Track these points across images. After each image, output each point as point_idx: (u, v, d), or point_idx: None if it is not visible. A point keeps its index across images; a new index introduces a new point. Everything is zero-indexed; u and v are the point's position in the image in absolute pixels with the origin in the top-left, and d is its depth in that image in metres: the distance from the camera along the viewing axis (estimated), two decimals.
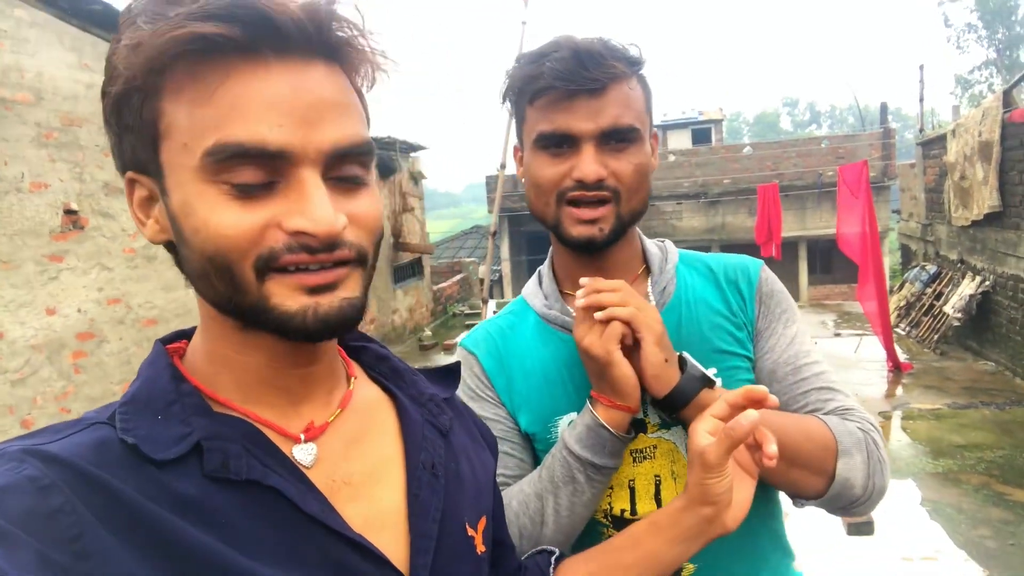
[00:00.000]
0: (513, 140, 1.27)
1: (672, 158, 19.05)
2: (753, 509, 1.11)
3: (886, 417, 6.73)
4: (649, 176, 1.10)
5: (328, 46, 0.61)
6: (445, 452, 0.77)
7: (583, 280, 1.04)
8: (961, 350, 9.33)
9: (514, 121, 1.18)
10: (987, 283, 8.67)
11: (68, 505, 0.51)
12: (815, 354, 1.15)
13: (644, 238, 1.23)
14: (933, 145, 10.86)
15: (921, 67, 13.50)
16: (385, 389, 0.79)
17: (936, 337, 9.39)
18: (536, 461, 1.15)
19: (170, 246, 0.65)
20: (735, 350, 1.13)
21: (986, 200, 8.23)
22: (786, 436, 1.01)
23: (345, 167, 0.62)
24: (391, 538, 0.67)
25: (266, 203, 0.58)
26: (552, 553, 0.96)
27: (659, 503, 1.09)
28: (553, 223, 1.10)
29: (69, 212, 4.91)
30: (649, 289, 1.16)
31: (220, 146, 0.56)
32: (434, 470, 0.73)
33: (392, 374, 0.82)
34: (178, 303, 5.91)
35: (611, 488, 1.10)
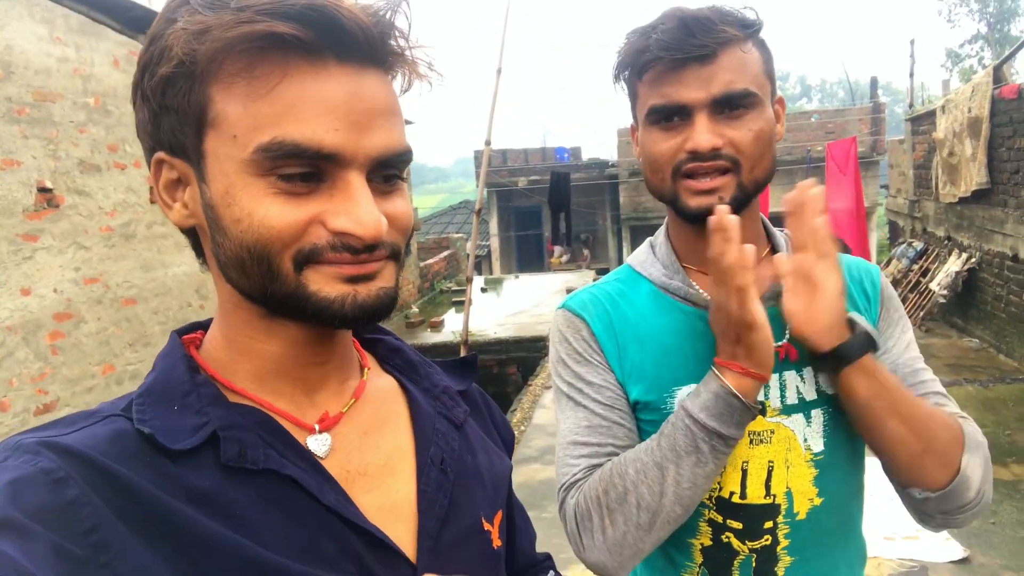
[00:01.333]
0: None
1: None
2: (851, 501, 1.13)
3: None
4: (773, 144, 1.07)
5: (385, 55, 0.62)
6: (460, 445, 0.77)
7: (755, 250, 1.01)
8: (946, 327, 9.37)
9: (628, 101, 1.15)
10: (973, 260, 8.67)
11: (83, 497, 0.52)
12: (924, 361, 1.16)
13: (766, 221, 1.19)
14: (922, 121, 10.81)
15: (912, 42, 13.41)
16: (399, 381, 0.80)
17: (922, 314, 9.41)
18: (640, 433, 1.13)
19: (192, 232, 0.66)
20: None
21: (974, 177, 8.20)
22: (929, 421, 1.02)
23: (386, 170, 0.63)
24: (405, 530, 0.68)
25: (311, 201, 0.59)
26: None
27: (768, 489, 1.07)
28: (671, 197, 1.07)
29: (43, 190, 4.80)
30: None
31: (277, 143, 0.57)
32: (443, 465, 0.73)
33: (406, 366, 0.82)
34: (157, 282, 5.82)
35: (723, 468, 1.07)
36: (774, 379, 1.08)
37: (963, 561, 3.75)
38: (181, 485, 0.57)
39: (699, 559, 1.10)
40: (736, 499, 1.07)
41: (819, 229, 1.01)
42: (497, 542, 0.76)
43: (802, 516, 1.08)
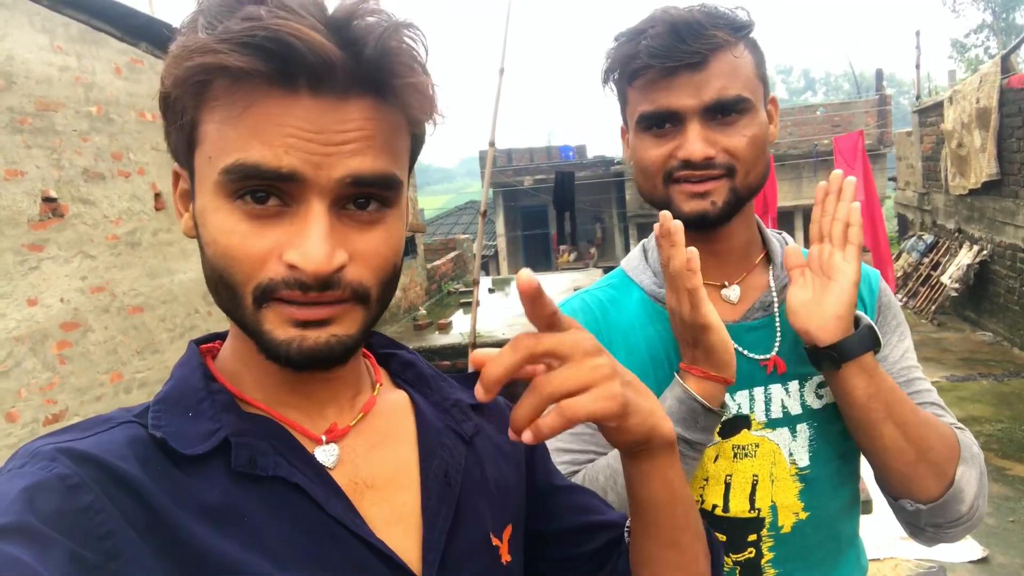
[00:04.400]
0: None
1: None
2: (840, 516, 1.12)
3: None
4: (766, 148, 1.05)
5: (371, 83, 0.60)
6: (467, 459, 0.77)
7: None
8: (959, 321, 9.29)
9: (618, 103, 1.14)
10: (985, 252, 8.59)
11: (98, 503, 0.53)
12: (922, 371, 1.14)
13: (763, 225, 1.17)
14: (930, 113, 10.72)
15: (917, 33, 13.31)
16: (410, 395, 0.80)
17: (933, 308, 9.34)
18: None
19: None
20: None
21: (984, 168, 8.12)
22: (925, 428, 1.00)
23: (359, 198, 0.62)
24: (411, 544, 0.68)
25: (275, 227, 0.60)
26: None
27: (752, 503, 1.07)
28: (663, 202, 1.05)
29: (48, 200, 4.77)
30: (771, 280, 1.12)
31: (237, 165, 0.58)
32: (447, 478, 0.73)
33: (417, 380, 0.83)
34: (164, 290, 5.80)
35: (706, 480, 1.07)
36: (759, 392, 1.07)
37: (982, 561, 3.70)
38: (192, 494, 0.58)
39: None
40: (719, 512, 1.07)
41: (850, 216, 0.99)
42: (506, 557, 0.75)
43: (787, 530, 1.07)
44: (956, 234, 9.68)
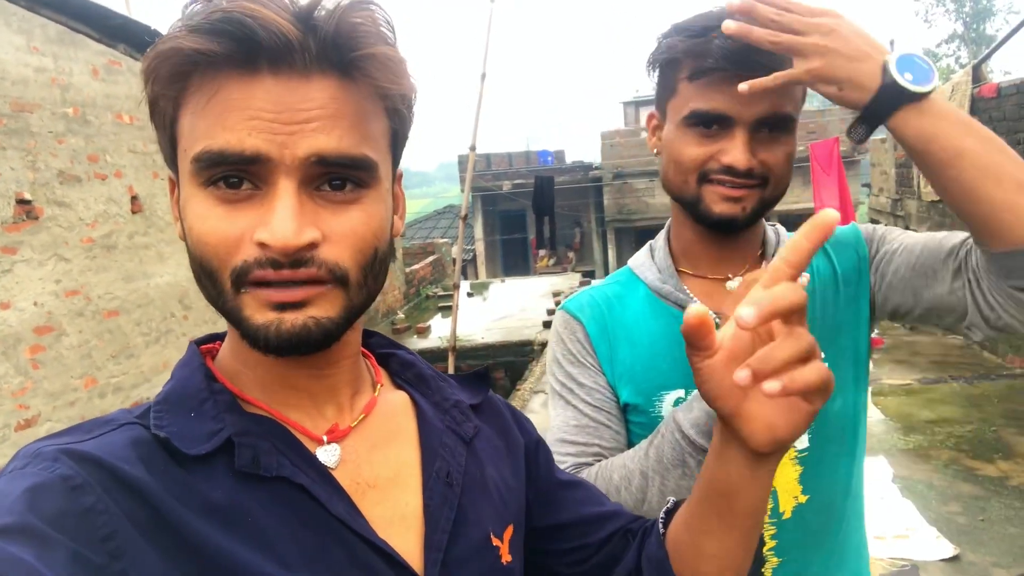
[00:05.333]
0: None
1: (644, 135, 18.98)
2: (841, 500, 1.13)
3: None
4: (793, 162, 1.08)
5: (333, 59, 0.60)
6: (467, 460, 0.77)
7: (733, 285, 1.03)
8: (931, 324, 9.42)
9: (657, 86, 1.12)
10: None
11: (100, 504, 0.53)
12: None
13: (763, 221, 1.20)
14: None
15: (892, 43, 13.52)
16: (410, 395, 0.80)
17: None
18: (629, 435, 1.14)
19: None
20: (846, 331, 1.11)
21: None
22: (1005, 158, 0.89)
23: (331, 179, 0.61)
24: (414, 543, 0.69)
25: (247, 210, 0.60)
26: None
27: None
28: (692, 199, 1.07)
29: (22, 202, 4.72)
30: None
31: (204, 152, 0.58)
32: (448, 479, 0.74)
33: (417, 380, 0.83)
34: (139, 293, 5.75)
35: None
36: None
37: (953, 559, 3.76)
38: (196, 494, 0.58)
39: None
40: None
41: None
42: (507, 557, 0.75)
43: (788, 515, 1.08)
44: None
